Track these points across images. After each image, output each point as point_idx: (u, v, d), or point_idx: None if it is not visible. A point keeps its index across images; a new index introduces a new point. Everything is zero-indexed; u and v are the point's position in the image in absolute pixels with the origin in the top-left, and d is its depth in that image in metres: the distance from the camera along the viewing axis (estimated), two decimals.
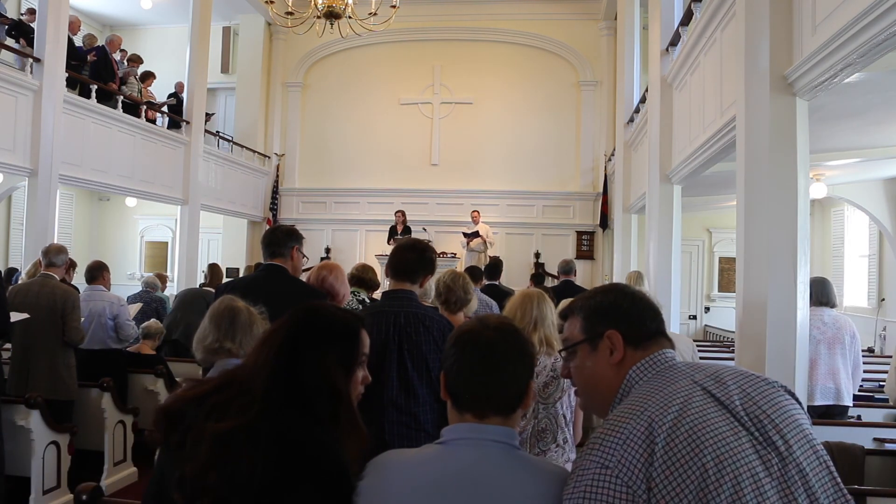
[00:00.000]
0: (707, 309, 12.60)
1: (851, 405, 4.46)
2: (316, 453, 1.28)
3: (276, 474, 1.24)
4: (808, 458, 1.17)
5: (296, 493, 1.24)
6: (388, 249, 10.97)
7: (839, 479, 1.19)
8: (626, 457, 1.13)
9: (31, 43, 7.76)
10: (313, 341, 1.38)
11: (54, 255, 4.82)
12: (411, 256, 2.70)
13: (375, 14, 7.98)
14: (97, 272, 5.40)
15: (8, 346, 4.91)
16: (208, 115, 11.63)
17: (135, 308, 6.38)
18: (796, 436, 1.18)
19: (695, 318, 12.62)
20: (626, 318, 1.36)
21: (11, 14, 9.34)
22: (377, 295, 4.56)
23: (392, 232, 11.64)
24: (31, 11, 8.30)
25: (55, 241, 6.81)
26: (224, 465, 1.25)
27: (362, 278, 4.14)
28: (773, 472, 1.13)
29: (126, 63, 10.18)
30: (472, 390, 1.30)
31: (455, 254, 11.67)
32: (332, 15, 7.74)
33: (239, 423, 1.28)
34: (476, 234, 11.18)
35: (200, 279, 9.97)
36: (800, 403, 1.27)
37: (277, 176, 13.57)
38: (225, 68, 13.80)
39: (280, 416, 1.30)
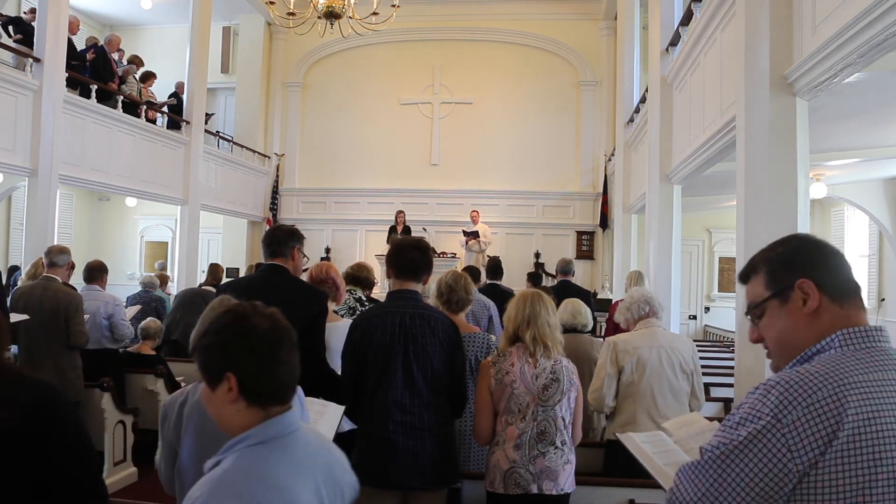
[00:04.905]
0: (707, 309, 12.60)
1: None
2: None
3: None
4: None
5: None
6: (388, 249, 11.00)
7: None
8: (804, 422, 1.06)
9: (30, 40, 7.76)
10: None
11: (56, 256, 4.82)
12: (416, 256, 2.71)
13: (377, 14, 7.98)
14: (97, 273, 5.39)
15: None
16: (208, 116, 11.63)
17: (133, 310, 6.37)
18: None
19: (695, 318, 12.62)
20: (815, 264, 1.23)
21: (12, 13, 9.34)
22: (374, 293, 4.57)
23: (392, 232, 11.64)
24: (33, 10, 8.31)
25: (55, 242, 6.82)
26: None
27: (358, 276, 4.15)
28: None
29: (125, 63, 10.17)
30: (289, 381, 1.35)
31: (455, 254, 11.67)
32: (331, 15, 7.75)
33: None
34: (476, 234, 11.19)
35: (200, 279, 9.96)
36: None
37: (277, 176, 13.57)
38: (225, 68, 13.80)
39: None
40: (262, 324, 1.32)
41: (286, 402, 1.34)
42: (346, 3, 7.77)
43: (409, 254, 2.71)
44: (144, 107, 9.75)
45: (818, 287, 1.21)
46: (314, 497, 1.29)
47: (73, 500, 1.54)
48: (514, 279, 9.53)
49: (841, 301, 1.21)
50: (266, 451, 1.27)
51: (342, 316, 3.67)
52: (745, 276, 1.33)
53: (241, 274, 10.19)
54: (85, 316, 4.83)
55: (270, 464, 1.26)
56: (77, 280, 5.34)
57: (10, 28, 8.20)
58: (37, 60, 7.41)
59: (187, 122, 10.64)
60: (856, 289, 1.24)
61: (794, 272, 1.23)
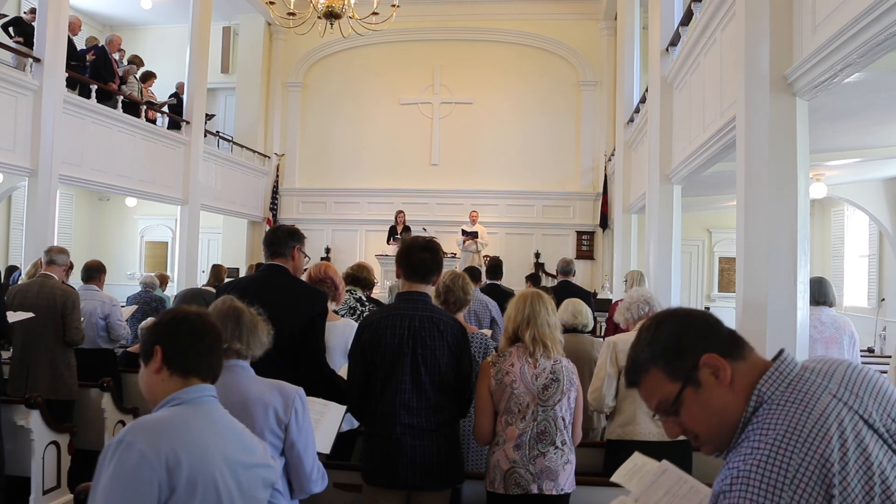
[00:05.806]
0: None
1: None
2: None
3: None
4: None
5: None
6: (388, 249, 11.02)
7: None
8: (799, 497, 1.01)
9: (30, 41, 7.76)
10: None
11: (55, 255, 4.84)
12: (427, 257, 2.69)
13: (377, 14, 7.99)
14: (95, 272, 5.38)
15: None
16: (209, 116, 11.62)
17: (129, 310, 6.37)
18: None
19: None
20: (703, 335, 1.20)
21: (12, 13, 9.34)
22: (374, 293, 4.57)
23: (392, 232, 11.63)
24: (33, 11, 8.32)
25: (55, 242, 6.83)
26: None
27: (357, 276, 4.16)
28: None
29: (126, 63, 10.18)
30: (209, 361, 1.60)
31: (455, 254, 11.65)
32: (331, 15, 7.75)
33: None
34: (475, 234, 11.19)
35: (201, 279, 9.96)
36: None
37: (277, 176, 13.57)
38: (225, 68, 13.80)
39: None
40: (191, 316, 1.62)
41: (206, 379, 1.59)
42: (346, 3, 7.78)
43: (418, 255, 2.69)
44: (144, 107, 9.75)
45: (721, 355, 1.17)
46: (223, 461, 1.47)
47: None
48: (514, 279, 9.53)
49: (740, 354, 1.19)
50: (188, 409, 1.51)
51: (342, 316, 3.67)
52: (636, 381, 1.25)
53: (242, 274, 10.19)
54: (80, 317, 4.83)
55: (190, 417, 1.49)
56: (75, 281, 5.35)
57: (11, 28, 8.21)
58: (37, 60, 7.41)
59: (187, 122, 10.64)
60: (738, 335, 1.21)
61: (690, 353, 1.18)
